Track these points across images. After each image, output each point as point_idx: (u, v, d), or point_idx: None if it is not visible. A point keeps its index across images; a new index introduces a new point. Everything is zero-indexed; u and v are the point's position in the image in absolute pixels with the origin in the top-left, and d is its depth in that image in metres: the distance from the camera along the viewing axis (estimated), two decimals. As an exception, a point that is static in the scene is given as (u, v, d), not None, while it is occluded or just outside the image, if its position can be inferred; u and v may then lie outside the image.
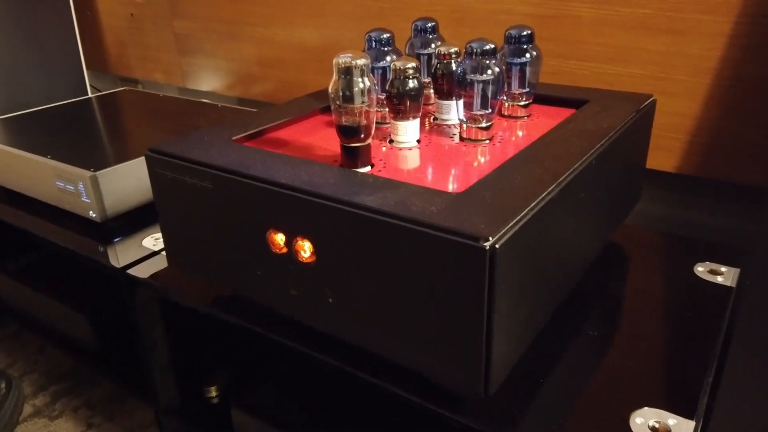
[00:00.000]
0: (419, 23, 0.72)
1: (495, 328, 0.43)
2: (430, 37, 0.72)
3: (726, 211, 0.80)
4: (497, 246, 0.40)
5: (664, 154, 0.81)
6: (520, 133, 0.65)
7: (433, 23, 0.72)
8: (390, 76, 0.65)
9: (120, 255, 0.77)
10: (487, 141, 0.62)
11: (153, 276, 0.72)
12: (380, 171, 0.56)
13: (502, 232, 0.41)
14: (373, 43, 0.66)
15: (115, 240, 0.82)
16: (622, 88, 0.81)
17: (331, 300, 0.51)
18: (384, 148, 0.62)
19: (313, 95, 0.79)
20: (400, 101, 0.60)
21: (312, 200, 0.48)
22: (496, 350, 0.44)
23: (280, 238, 0.52)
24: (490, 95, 0.60)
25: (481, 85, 0.60)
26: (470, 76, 0.60)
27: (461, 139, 0.63)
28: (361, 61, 0.52)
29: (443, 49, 0.66)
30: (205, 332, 0.82)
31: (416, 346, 0.47)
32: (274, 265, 0.54)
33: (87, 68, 1.48)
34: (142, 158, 0.86)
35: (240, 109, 1.09)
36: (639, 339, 0.58)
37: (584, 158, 0.53)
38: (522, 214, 0.43)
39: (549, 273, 0.52)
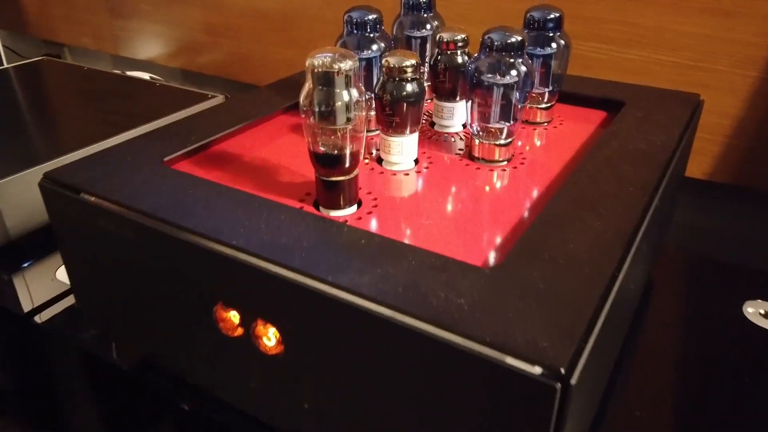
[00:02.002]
0: (411, -3, 0.56)
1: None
2: (425, 15, 0.56)
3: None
4: (572, 381, 0.26)
5: (695, 157, 0.68)
6: (544, 148, 0.50)
7: (429, -2, 0.56)
8: (378, 73, 0.50)
9: (26, 292, 0.61)
10: (506, 162, 0.48)
11: (71, 322, 0.56)
12: (370, 213, 0.41)
13: (574, 352, 0.27)
14: (355, 26, 0.49)
15: (23, 266, 0.65)
16: (650, 77, 0.67)
17: (306, 406, 0.37)
18: (367, 161, 0.47)
19: (273, 87, 0.62)
20: (395, 111, 0.44)
21: (277, 275, 0.33)
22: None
23: (233, 316, 0.37)
24: (514, 103, 0.45)
25: (501, 89, 0.45)
26: (488, 78, 0.45)
27: (470, 157, 0.49)
28: (346, 65, 0.37)
29: (446, 36, 0.50)
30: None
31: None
32: (225, 350, 0.39)
33: (1, 29, 1.25)
34: (56, 161, 0.69)
35: (183, 90, 0.91)
36: (684, 406, 0.46)
37: (649, 199, 0.39)
38: (594, 308, 0.29)
39: (611, 350, 0.39)
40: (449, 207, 0.41)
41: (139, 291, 0.42)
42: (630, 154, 0.45)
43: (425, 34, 0.57)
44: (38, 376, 0.58)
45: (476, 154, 0.48)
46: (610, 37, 0.69)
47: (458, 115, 0.53)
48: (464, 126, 0.54)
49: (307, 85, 0.38)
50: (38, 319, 0.57)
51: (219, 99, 0.86)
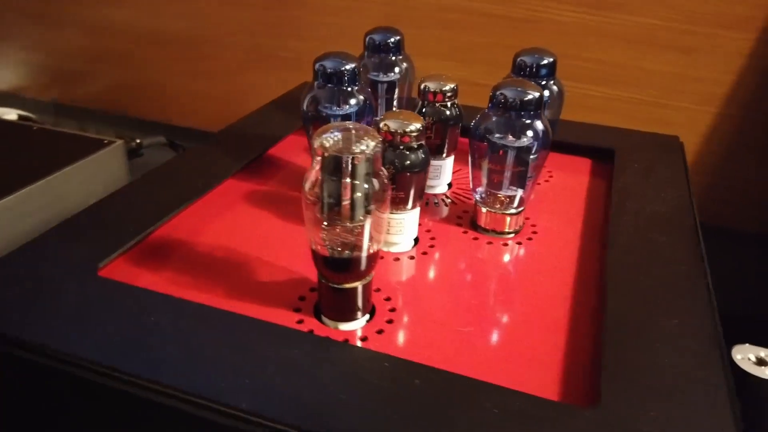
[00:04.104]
0: (377, 37, 0.48)
1: None
2: (393, 57, 0.49)
3: (739, 265, 0.69)
4: None
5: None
6: (547, 211, 0.44)
7: (398, 38, 0.49)
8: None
9: None
10: (514, 233, 0.41)
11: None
12: (391, 323, 0.32)
13: None
14: (328, 78, 0.40)
15: None
16: (613, 115, 0.65)
17: None
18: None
19: (215, 143, 0.51)
20: (397, 184, 0.36)
21: (313, 449, 0.24)
22: None
23: (234, 495, 0.27)
24: (529, 167, 0.39)
25: (514, 153, 0.38)
26: (498, 139, 0.38)
27: (474, 226, 0.42)
28: (368, 146, 0.28)
29: (433, 85, 0.43)
30: None
31: None
32: None
33: None
34: None
35: (72, 135, 0.75)
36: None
37: (705, 278, 0.35)
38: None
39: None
40: (482, 302, 0.34)
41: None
42: (655, 220, 0.40)
43: (393, 78, 0.49)
44: None
45: (483, 224, 0.41)
46: (570, 73, 0.65)
47: (445, 174, 0.46)
48: (449, 186, 0.47)
49: (314, 171, 0.29)
50: None
51: (117, 145, 0.72)
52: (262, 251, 0.38)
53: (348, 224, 0.29)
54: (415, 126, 0.36)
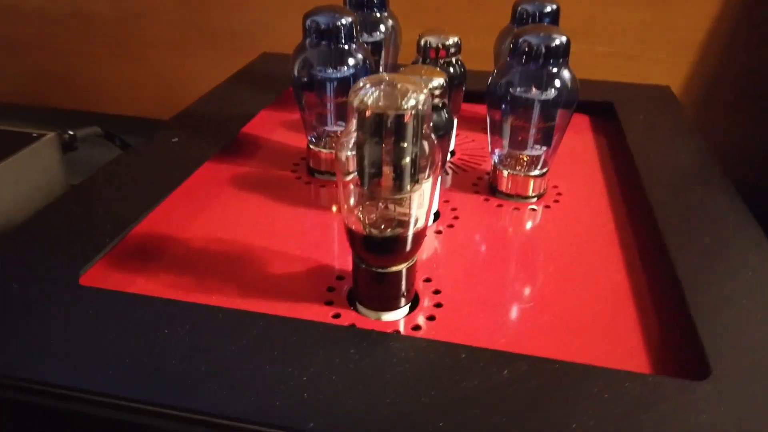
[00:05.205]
0: (358, -8, 0.43)
1: None
2: (377, 14, 0.44)
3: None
4: None
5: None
6: (564, 172, 0.41)
7: (382, -8, 0.44)
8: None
9: None
10: (538, 197, 0.38)
11: None
12: (440, 307, 0.28)
13: None
14: (322, 35, 0.35)
15: None
16: (587, 69, 0.62)
17: None
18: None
19: (180, 128, 0.44)
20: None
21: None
22: None
23: None
24: (556, 122, 0.35)
25: (539, 107, 0.35)
26: (522, 91, 0.34)
27: (494, 191, 0.38)
28: (419, 101, 0.23)
29: (434, 40, 0.39)
30: None
31: None
32: None
33: None
34: None
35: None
36: None
37: (757, 225, 0.33)
38: None
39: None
40: (530, 275, 0.31)
41: None
42: (685, 174, 0.38)
43: (378, 39, 0.44)
44: None
45: (504, 189, 0.37)
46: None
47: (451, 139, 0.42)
48: (452, 153, 0.43)
49: (350, 137, 0.24)
50: None
51: (50, 138, 0.64)
52: (268, 240, 0.32)
53: (394, 197, 0.25)
54: (438, 82, 0.31)
